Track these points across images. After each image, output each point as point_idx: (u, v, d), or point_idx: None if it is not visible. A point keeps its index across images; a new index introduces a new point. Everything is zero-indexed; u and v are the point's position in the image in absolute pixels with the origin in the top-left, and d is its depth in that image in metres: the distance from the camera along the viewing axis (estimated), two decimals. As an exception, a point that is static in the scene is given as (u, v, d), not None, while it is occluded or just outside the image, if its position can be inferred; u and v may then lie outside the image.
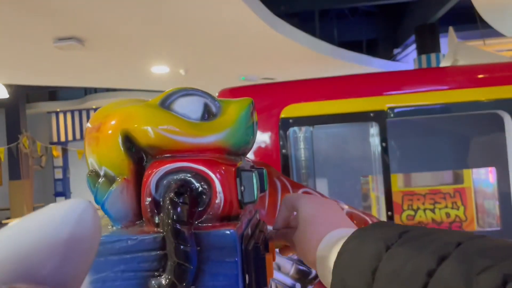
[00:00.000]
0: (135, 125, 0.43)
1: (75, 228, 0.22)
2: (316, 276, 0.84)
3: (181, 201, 0.40)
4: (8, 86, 6.94)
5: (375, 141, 2.04)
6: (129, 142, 0.44)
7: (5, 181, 9.28)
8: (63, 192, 10.81)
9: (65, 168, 10.72)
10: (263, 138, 1.87)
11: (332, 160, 2.38)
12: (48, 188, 10.81)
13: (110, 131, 0.44)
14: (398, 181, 2.88)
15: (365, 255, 0.39)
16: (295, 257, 0.82)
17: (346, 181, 2.60)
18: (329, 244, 0.47)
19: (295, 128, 1.93)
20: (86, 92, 9.96)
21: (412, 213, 2.89)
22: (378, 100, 1.76)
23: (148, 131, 0.43)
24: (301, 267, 0.85)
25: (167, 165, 0.43)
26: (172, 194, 0.40)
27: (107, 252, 0.40)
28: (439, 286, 0.31)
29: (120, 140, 0.43)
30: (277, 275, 0.85)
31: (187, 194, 0.41)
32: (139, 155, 0.44)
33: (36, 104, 10.14)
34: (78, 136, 10.49)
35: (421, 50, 7.08)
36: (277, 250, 0.75)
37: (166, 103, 0.46)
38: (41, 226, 0.22)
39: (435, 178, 3.06)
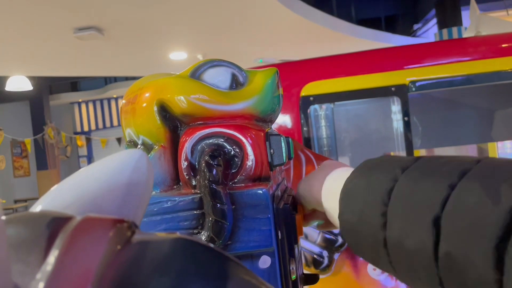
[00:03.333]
0: (169, 95, 0.46)
1: (132, 174, 0.25)
2: (343, 244, 0.87)
3: (215, 163, 0.43)
4: (31, 79, 7.11)
5: (397, 116, 2.03)
6: (164, 111, 0.47)
7: (33, 171, 9.55)
8: (89, 180, 11.01)
9: (89, 157, 10.96)
10: (284, 117, 1.89)
11: (354, 137, 2.38)
12: (75, 177, 11.02)
13: (145, 102, 0.47)
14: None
15: (380, 177, 0.38)
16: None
17: (368, 158, 2.60)
18: (338, 175, 0.46)
19: (316, 106, 1.94)
20: (106, 81, 10.11)
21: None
22: (399, 74, 1.75)
23: (181, 100, 0.46)
24: (327, 236, 0.88)
25: (201, 131, 0.45)
26: (207, 157, 0.43)
27: (149, 213, 0.44)
28: (461, 197, 0.31)
29: (155, 109, 0.46)
30: (304, 243, 0.88)
31: (221, 157, 0.44)
32: (174, 123, 0.47)
33: (59, 95, 10.34)
34: (100, 125, 10.68)
35: (442, 24, 6.91)
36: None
37: (196, 74, 0.49)
38: (103, 172, 0.25)
39: (459, 153, 3.02)
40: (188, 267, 0.18)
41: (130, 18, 4.43)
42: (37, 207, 0.25)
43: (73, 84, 10.54)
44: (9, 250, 0.19)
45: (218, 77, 0.49)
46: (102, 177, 0.25)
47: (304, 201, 0.52)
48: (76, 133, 10.55)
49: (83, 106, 10.78)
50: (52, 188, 0.26)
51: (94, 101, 10.69)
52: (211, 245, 0.20)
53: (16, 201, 9.18)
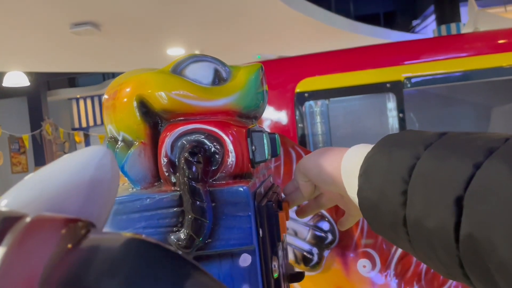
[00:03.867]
0: (149, 91, 0.45)
1: (96, 171, 0.25)
2: (332, 241, 0.86)
3: (195, 160, 0.42)
4: (29, 74, 7.09)
5: (392, 113, 2.02)
6: (144, 107, 0.46)
7: (31, 167, 9.55)
8: (87, 176, 11.01)
9: (88, 153, 10.92)
10: (278, 113, 1.88)
11: (349, 133, 2.38)
12: (73, 173, 11.02)
13: (125, 98, 0.46)
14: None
15: (401, 154, 0.36)
16: (311, 223, 0.84)
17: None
18: (357, 151, 0.43)
19: (311, 102, 1.93)
20: (104, 77, 10.09)
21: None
22: (394, 70, 1.74)
23: (162, 96, 0.45)
24: (317, 233, 0.87)
25: (181, 127, 0.45)
26: (186, 154, 0.42)
27: (128, 211, 0.43)
28: (486, 177, 0.29)
29: (135, 105, 0.45)
30: (294, 240, 0.88)
31: (201, 154, 0.43)
32: (154, 119, 0.46)
33: (57, 91, 10.32)
34: (98, 121, 10.66)
35: (440, 20, 6.89)
36: (294, 217, 0.77)
37: (177, 70, 0.48)
38: (65, 170, 0.25)
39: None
40: (139, 269, 0.18)
41: (127, 14, 4.41)
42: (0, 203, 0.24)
43: (71, 80, 10.52)
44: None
45: (200, 72, 0.48)
46: (64, 175, 0.25)
47: (314, 179, 0.50)
48: (74, 129, 10.54)
49: (81, 102, 10.77)
50: (15, 185, 0.25)
51: (92, 97, 10.68)
52: (167, 246, 0.19)
53: (13, 197, 9.14)
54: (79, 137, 9.89)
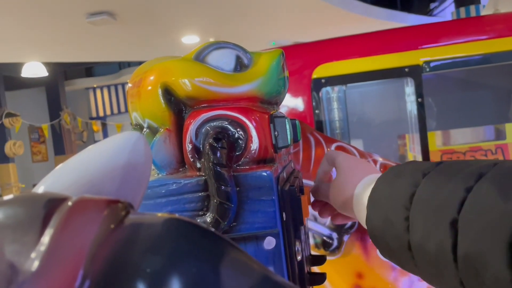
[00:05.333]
0: (173, 78, 0.46)
1: (130, 156, 0.26)
2: (352, 226, 0.87)
3: (219, 146, 0.43)
4: (46, 65, 7.18)
5: (410, 98, 2.00)
6: (168, 94, 0.47)
7: (51, 156, 9.72)
8: (105, 165, 11.17)
9: (105, 142, 11.05)
10: (295, 100, 1.88)
11: (367, 119, 2.36)
12: (91, 161, 11.19)
13: (150, 85, 0.47)
14: (436, 139, 2.83)
15: (402, 183, 0.39)
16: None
17: (381, 141, 2.58)
18: (366, 183, 0.48)
19: (328, 88, 1.92)
20: (120, 66, 10.16)
21: (452, 171, 2.83)
22: (412, 55, 1.72)
23: (186, 83, 0.46)
24: (337, 218, 0.88)
25: (205, 114, 0.45)
26: (211, 140, 0.43)
27: (155, 195, 0.44)
28: (477, 200, 0.32)
29: (160, 93, 0.46)
30: (314, 225, 0.88)
31: (225, 140, 0.44)
32: (178, 106, 0.47)
33: (74, 81, 10.44)
34: (115, 110, 10.77)
35: (459, 2, 6.73)
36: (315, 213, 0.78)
37: (200, 57, 0.48)
38: (101, 155, 0.26)
39: (475, 135, 2.97)
40: (180, 247, 0.19)
41: (142, 2, 4.42)
42: (38, 189, 0.26)
43: (88, 69, 10.62)
44: (6, 231, 0.19)
45: (223, 59, 0.48)
46: (101, 159, 0.26)
47: (336, 207, 0.55)
48: (91, 118, 10.67)
49: (98, 92, 10.88)
50: (53, 170, 0.27)
51: (108, 86, 10.77)
52: (205, 225, 0.20)
53: (34, 186, 9.35)
54: (96, 126, 10.01)
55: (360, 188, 0.49)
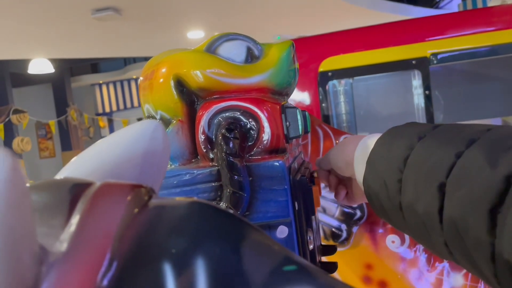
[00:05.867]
0: (185, 70, 0.47)
1: (149, 143, 0.26)
2: (361, 217, 0.87)
3: (232, 136, 0.44)
4: (53, 61, 7.22)
5: (418, 90, 1.99)
6: (180, 86, 0.47)
7: (58, 152, 9.79)
8: (112, 160, 11.23)
9: (112, 138, 11.09)
10: (302, 93, 1.88)
11: (374, 112, 2.35)
12: (98, 157, 11.25)
13: (162, 77, 0.47)
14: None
15: (399, 145, 0.40)
16: (340, 199, 0.85)
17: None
18: (364, 145, 0.48)
19: (335, 81, 1.92)
20: (126, 62, 10.18)
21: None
22: (419, 47, 1.71)
23: (197, 75, 0.47)
24: (346, 210, 0.88)
25: (217, 105, 0.46)
26: (223, 131, 0.44)
27: (169, 186, 0.45)
28: (464, 164, 0.33)
29: (172, 84, 0.47)
30: (322, 217, 0.89)
31: (237, 130, 0.44)
32: (190, 98, 0.48)
33: (80, 77, 10.48)
34: (121, 106, 10.81)
35: (466, -6, 6.67)
36: (323, 194, 0.78)
37: (211, 48, 0.49)
38: (121, 142, 0.26)
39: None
40: (203, 228, 0.19)
41: (147, -3, 4.42)
42: (60, 176, 0.26)
43: (93, 65, 10.66)
44: (34, 214, 0.20)
45: (234, 50, 0.49)
46: (121, 147, 0.26)
47: (335, 167, 0.55)
48: (98, 114, 10.72)
49: (104, 88, 10.91)
50: (73, 159, 0.27)
51: (114, 82, 10.80)
52: (226, 209, 0.21)
53: (43, 182, 9.41)
54: (103, 122, 10.06)
55: (360, 147, 0.49)
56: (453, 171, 0.34)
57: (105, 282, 0.17)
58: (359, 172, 0.48)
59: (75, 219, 0.19)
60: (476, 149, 0.33)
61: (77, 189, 0.21)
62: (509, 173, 0.30)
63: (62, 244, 0.18)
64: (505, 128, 0.35)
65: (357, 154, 0.49)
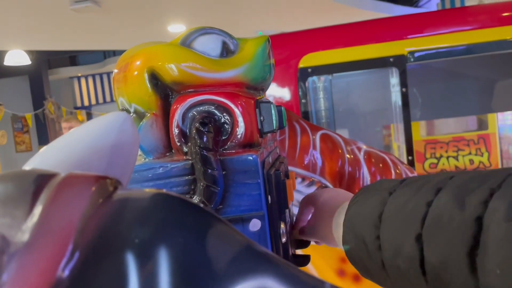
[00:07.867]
0: (159, 63, 0.47)
1: (118, 136, 0.26)
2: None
3: (206, 130, 0.44)
4: (30, 53, 7.05)
5: (395, 87, 2.02)
6: (155, 79, 0.47)
7: (35, 146, 9.59)
8: (90, 155, 11.08)
9: (91, 132, 10.93)
10: (282, 89, 1.89)
11: (352, 109, 2.38)
12: (76, 152, 11.08)
13: (136, 70, 0.47)
14: (420, 129, 2.86)
15: (372, 203, 0.41)
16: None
17: (367, 130, 2.61)
18: (341, 210, 0.49)
19: (314, 77, 1.93)
20: (105, 55, 10.02)
21: (435, 161, 2.89)
22: (397, 45, 1.73)
23: (172, 68, 0.46)
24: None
25: (191, 99, 0.46)
26: (197, 124, 0.44)
27: (142, 179, 0.45)
28: (436, 213, 0.34)
29: (146, 77, 0.47)
30: (297, 210, 0.90)
31: (211, 124, 0.44)
32: (165, 91, 0.48)
33: (58, 70, 10.26)
34: (101, 100, 10.64)
35: (444, -6, 6.78)
36: (298, 188, 0.79)
37: (186, 42, 0.49)
38: (90, 134, 0.26)
39: (458, 125, 3.02)
40: (167, 218, 0.19)
41: (127, -10, 4.35)
42: (27, 167, 0.26)
43: (72, 58, 10.45)
44: (-3, 205, 0.20)
45: (209, 45, 0.49)
46: (89, 139, 0.26)
47: (320, 239, 0.54)
48: (76, 108, 10.54)
49: (83, 81, 10.73)
50: (41, 150, 0.27)
51: (93, 76, 10.63)
52: (190, 199, 0.21)
53: (19, 176, 9.21)
54: (81, 116, 9.89)
55: (337, 215, 0.49)
56: (426, 220, 0.34)
57: (66, 272, 0.17)
58: (339, 239, 0.48)
59: (37, 210, 0.19)
60: (444, 195, 0.34)
61: (41, 180, 0.21)
62: (478, 214, 0.31)
63: (23, 235, 0.18)
64: (466, 173, 0.36)
65: (335, 221, 0.49)
